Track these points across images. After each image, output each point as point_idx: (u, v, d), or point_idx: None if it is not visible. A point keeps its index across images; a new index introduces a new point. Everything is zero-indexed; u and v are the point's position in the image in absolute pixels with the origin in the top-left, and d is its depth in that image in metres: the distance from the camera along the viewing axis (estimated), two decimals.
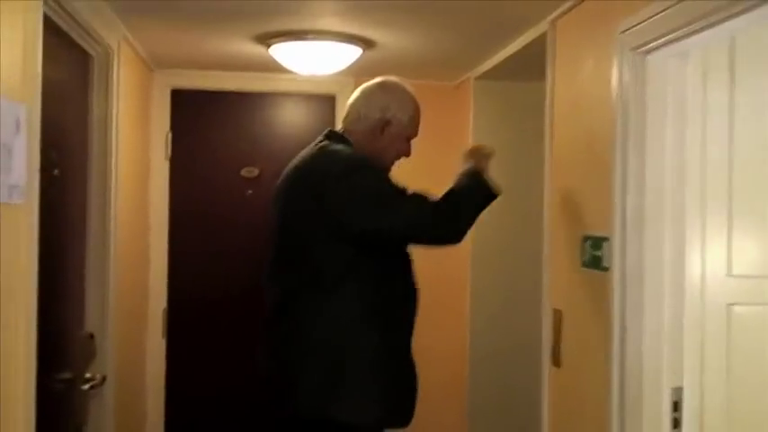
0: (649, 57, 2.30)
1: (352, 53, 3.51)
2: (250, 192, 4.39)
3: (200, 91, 4.38)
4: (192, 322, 4.36)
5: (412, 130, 2.57)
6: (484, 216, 3.80)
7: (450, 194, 2.44)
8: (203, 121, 4.41)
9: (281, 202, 2.45)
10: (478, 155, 2.61)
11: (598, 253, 2.56)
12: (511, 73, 3.92)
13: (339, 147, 2.47)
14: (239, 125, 4.45)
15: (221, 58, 3.96)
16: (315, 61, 3.46)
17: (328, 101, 4.43)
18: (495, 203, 2.54)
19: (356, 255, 2.31)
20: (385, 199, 2.30)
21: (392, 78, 2.63)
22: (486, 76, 4.02)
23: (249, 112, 4.46)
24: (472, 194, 2.46)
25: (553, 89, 2.99)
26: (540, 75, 3.77)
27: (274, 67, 3.92)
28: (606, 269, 2.48)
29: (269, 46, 3.48)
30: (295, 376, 2.32)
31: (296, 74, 3.92)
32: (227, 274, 4.35)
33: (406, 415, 2.43)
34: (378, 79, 2.59)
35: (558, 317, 2.92)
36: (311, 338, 2.31)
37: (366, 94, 2.53)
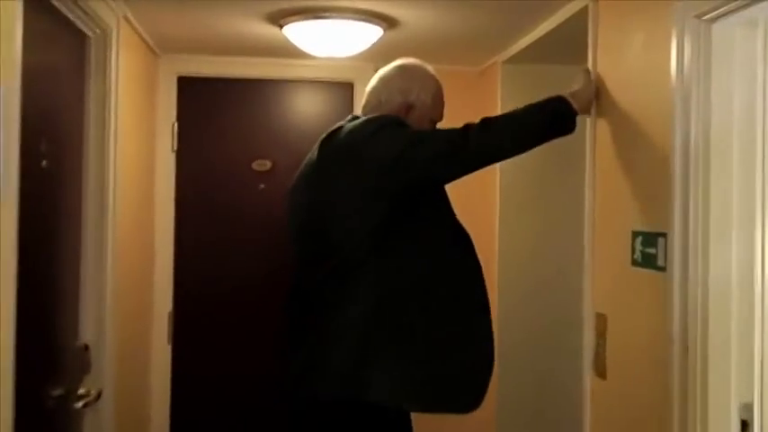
0: (715, 26, 2.00)
1: (373, 33, 3.22)
2: (262, 186, 4.13)
3: (209, 78, 4.10)
4: (201, 326, 4.09)
5: (437, 111, 2.41)
6: (512, 210, 3.87)
7: (520, 110, 2.32)
8: (212, 111, 4.13)
9: (307, 185, 2.30)
10: (587, 86, 2.49)
11: (652, 250, 2.26)
12: (543, 55, 3.61)
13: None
14: (251, 115, 4.16)
15: (231, 42, 3.67)
16: (332, 42, 3.18)
17: (346, 88, 4.16)
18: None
19: (395, 220, 2.15)
20: (421, 134, 2.23)
21: (410, 60, 2.45)
22: (516, 59, 3.71)
23: (261, 100, 4.18)
24: (540, 113, 2.30)
25: (595, 70, 2.68)
26: (576, 57, 3.46)
27: (288, 52, 3.65)
28: (663, 269, 2.18)
29: (282, 26, 3.19)
30: (330, 356, 2.19)
31: (311, 59, 3.67)
32: (238, 275, 4.09)
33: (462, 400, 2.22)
34: (395, 62, 2.42)
35: (602, 322, 2.62)
36: (348, 317, 2.17)
37: (385, 79, 2.38)
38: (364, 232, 2.16)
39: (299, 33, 3.16)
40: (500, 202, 3.86)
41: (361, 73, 3.97)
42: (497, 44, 3.71)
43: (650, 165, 2.29)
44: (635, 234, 2.38)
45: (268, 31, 3.38)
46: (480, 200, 4.06)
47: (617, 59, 2.55)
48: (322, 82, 4.19)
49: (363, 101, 2.43)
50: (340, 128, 2.29)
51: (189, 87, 4.09)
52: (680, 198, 2.07)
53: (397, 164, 2.11)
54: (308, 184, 2.30)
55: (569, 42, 3.32)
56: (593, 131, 2.71)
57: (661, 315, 2.16)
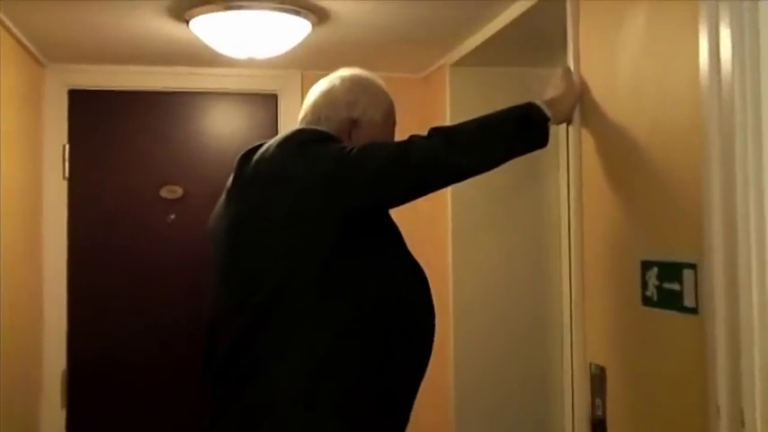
0: (764, 3, 1.52)
1: (299, 29, 2.68)
2: (172, 217, 3.59)
3: (107, 91, 3.59)
4: (101, 387, 3.50)
5: (387, 132, 2.05)
6: (467, 234, 3.30)
7: (479, 118, 1.95)
8: (111, 130, 3.60)
9: (224, 219, 1.95)
10: (568, 90, 2.12)
11: (674, 286, 1.75)
12: (498, 56, 3.15)
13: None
14: (158, 133, 3.65)
15: (131, 46, 3.12)
16: (250, 40, 2.64)
17: (269, 101, 3.64)
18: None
19: (334, 252, 1.81)
20: (354, 149, 1.84)
21: (358, 70, 2.07)
22: (466, 61, 3.23)
23: (170, 116, 3.64)
24: (505, 122, 1.95)
25: (578, 71, 2.19)
26: (538, 57, 3.05)
27: (201, 59, 3.17)
28: (693, 311, 1.67)
29: (188, 21, 2.61)
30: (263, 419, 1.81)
31: (228, 67, 3.24)
32: (146, 324, 3.53)
33: None
34: (339, 72, 2.06)
35: (599, 377, 2.10)
36: (279, 375, 1.81)
37: (326, 90, 2.03)
38: (296, 270, 1.81)
39: (209, 29, 2.60)
40: (452, 224, 3.37)
41: (286, 82, 3.53)
42: (444, 43, 3.22)
43: (667, 179, 1.79)
44: (646, 265, 1.87)
45: (173, 29, 2.82)
46: (429, 222, 3.61)
47: (608, 57, 2.07)
48: (241, 94, 3.67)
49: (300, 116, 2.04)
50: (259, 146, 1.93)
51: (82, 102, 3.56)
52: (720, 218, 1.57)
53: (329, 187, 1.80)
54: (226, 216, 1.93)
55: (529, 39, 2.90)
56: (576, 143, 2.21)
57: (695, 372, 1.64)
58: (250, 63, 3.34)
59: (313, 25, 2.73)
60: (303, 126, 1.98)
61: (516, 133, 1.93)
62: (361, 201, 1.81)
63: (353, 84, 2.01)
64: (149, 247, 3.57)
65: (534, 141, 1.96)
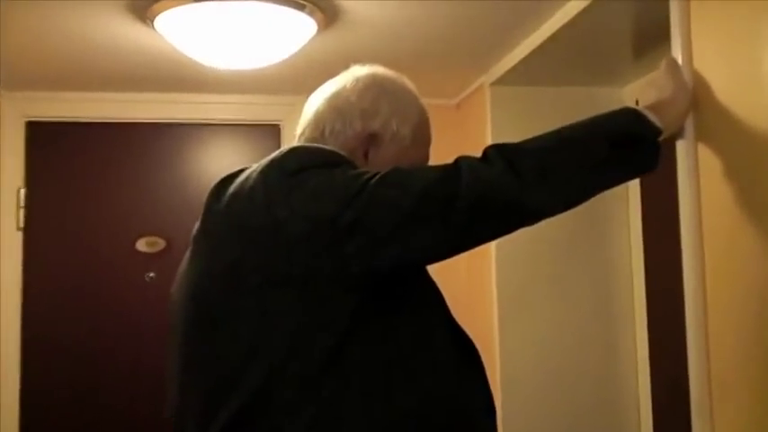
0: None
1: (301, 29, 2.07)
2: (152, 275, 3.06)
3: (73, 123, 3.07)
4: None
5: (418, 152, 1.49)
6: (517, 295, 2.76)
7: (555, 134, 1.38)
8: (78, 169, 3.08)
9: (189, 281, 1.42)
10: (678, 90, 1.53)
11: None
12: (552, 70, 2.58)
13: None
14: (135, 174, 3.12)
15: (94, 62, 2.59)
16: (231, 42, 2.03)
17: (270, 132, 3.11)
18: None
19: (346, 334, 1.27)
20: (375, 178, 1.28)
21: (377, 67, 1.51)
22: (508, 78, 2.67)
23: (150, 153, 3.09)
24: (599, 137, 1.37)
25: (689, 66, 1.58)
26: (605, 71, 2.49)
27: (184, 83, 2.75)
28: None
29: (152, 20, 2.02)
30: None
31: (218, 91, 2.79)
32: (117, 408, 2.97)
33: None
34: (352, 69, 1.51)
35: None
36: None
37: (334, 94, 1.48)
38: (287, 363, 1.28)
39: (180, 27, 2.00)
40: (497, 282, 2.79)
41: (289, 111, 2.95)
42: (483, 56, 2.64)
43: None
44: None
45: (140, 35, 2.25)
46: (468, 280, 3.02)
47: (736, 47, 1.46)
48: (237, 125, 3.13)
49: (297, 132, 1.49)
50: (238, 173, 1.39)
51: (43, 136, 3.05)
52: None
53: (335, 237, 1.27)
54: (188, 278, 1.41)
55: (584, 50, 2.38)
56: (690, 166, 1.57)
57: None
58: (246, 88, 2.83)
59: (319, 27, 2.12)
60: (309, 145, 1.41)
61: (614, 154, 1.34)
62: (386, 258, 1.25)
63: (372, 85, 1.45)
64: (123, 314, 3.05)
65: (640, 165, 1.40)
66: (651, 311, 2.66)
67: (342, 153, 1.35)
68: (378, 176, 1.24)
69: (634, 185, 2.68)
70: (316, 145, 1.42)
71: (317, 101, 1.47)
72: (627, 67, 2.49)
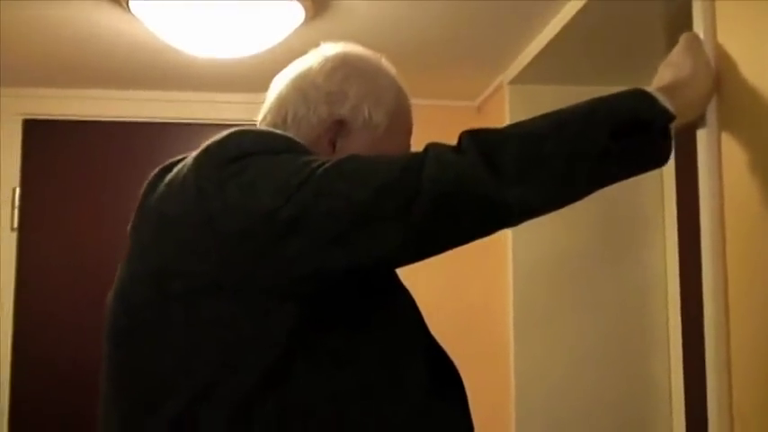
0: None
1: (287, 15, 1.90)
2: None
3: (71, 122, 2.91)
4: None
5: (395, 139, 1.28)
6: (535, 316, 2.54)
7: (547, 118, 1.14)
8: (75, 169, 2.92)
9: (122, 283, 1.21)
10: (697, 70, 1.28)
11: None
12: (575, 65, 2.33)
13: None
14: (131, 173, 2.83)
15: (85, 57, 2.44)
16: (213, 26, 1.85)
17: None
18: None
19: (294, 340, 1.07)
20: (333, 165, 1.07)
21: (350, 45, 1.33)
22: (531, 75, 2.43)
23: (144, 152, 2.91)
24: (602, 123, 1.12)
25: (713, 42, 1.34)
26: (633, 65, 2.24)
27: (186, 80, 2.64)
28: None
29: (128, 3, 1.86)
30: None
31: (220, 89, 2.69)
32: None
33: None
34: (324, 48, 1.32)
35: None
36: None
37: (299, 75, 1.29)
38: (217, 378, 1.08)
39: (155, 13, 1.85)
40: (514, 308, 2.49)
41: None
42: (498, 54, 2.42)
43: None
44: None
45: (117, 20, 2.08)
46: (480, 307, 2.71)
47: (765, 23, 1.23)
48: (233, 124, 2.83)
49: (258, 117, 1.30)
50: (177, 163, 1.21)
51: (40, 135, 2.90)
52: None
53: (275, 235, 1.06)
54: (119, 281, 1.22)
55: (604, 43, 2.15)
56: (713, 160, 1.33)
57: None
58: (237, 86, 2.65)
59: (307, 15, 1.93)
60: (255, 128, 1.22)
61: (615, 144, 1.10)
62: (333, 262, 1.05)
63: (342, 65, 1.27)
64: None
65: (646, 158, 1.16)
66: (687, 337, 2.38)
67: (296, 139, 1.15)
68: (328, 165, 1.05)
69: (669, 182, 2.40)
70: (263, 128, 1.24)
71: (280, 83, 1.29)
72: (656, 62, 2.26)
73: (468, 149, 1.04)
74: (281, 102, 1.24)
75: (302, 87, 1.24)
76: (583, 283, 2.49)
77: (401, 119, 1.26)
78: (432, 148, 1.05)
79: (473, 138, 1.05)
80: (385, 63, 1.28)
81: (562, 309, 2.50)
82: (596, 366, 2.48)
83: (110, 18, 2.06)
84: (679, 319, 2.41)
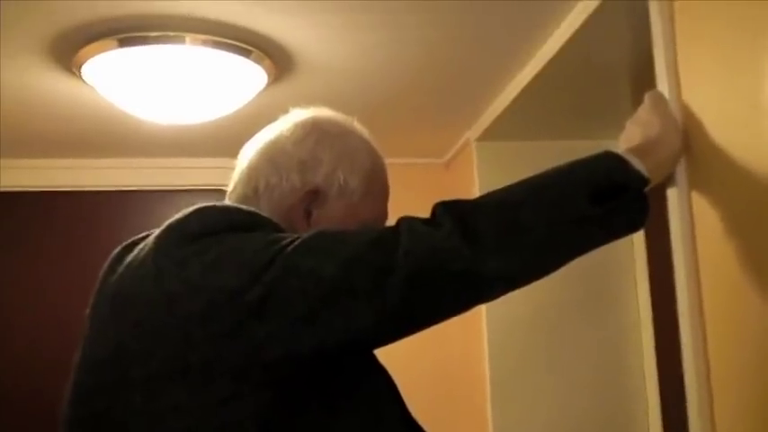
0: None
1: (248, 78, 1.85)
2: None
3: (29, 192, 2.77)
4: None
5: (371, 207, 1.23)
6: (512, 379, 2.45)
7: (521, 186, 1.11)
8: (34, 242, 2.79)
9: (78, 374, 1.12)
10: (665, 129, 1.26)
11: None
12: (544, 120, 2.32)
13: None
14: (97, 245, 2.71)
15: (28, 119, 2.31)
16: (168, 91, 1.80)
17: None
18: None
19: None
20: (302, 242, 1.02)
21: (320, 110, 1.26)
22: (498, 131, 2.39)
23: (111, 222, 2.81)
24: (578, 189, 1.09)
25: (678, 100, 1.33)
26: (604, 123, 2.23)
27: (127, 146, 2.54)
28: None
29: (80, 68, 1.80)
30: None
31: (174, 154, 2.60)
32: None
33: None
34: (294, 113, 1.25)
35: None
36: None
37: (269, 144, 1.23)
38: None
39: (107, 79, 1.79)
40: (490, 358, 2.44)
41: None
42: (465, 111, 2.38)
43: None
44: None
45: (69, 87, 2.01)
46: (455, 352, 2.67)
47: (730, 74, 1.22)
48: (189, 190, 2.76)
49: (228, 187, 1.23)
50: (142, 240, 1.14)
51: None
52: None
53: (239, 314, 0.99)
54: (76, 366, 1.13)
55: (571, 98, 2.14)
56: (684, 219, 1.31)
57: None
58: (199, 151, 2.62)
59: (270, 77, 1.90)
60: (219, 204, 1.13)
61: (593, 210, 1.07)
62: (305, 344, 0.99)
63: (313, 131, 1.21)
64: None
65: (625, 222, 1.13)
66: (664, 390, 2.34)
67: (263, 215, 1.09)
68: (297, 242, 0.99)
69: (639, 237, 2.38)
70: (228, 203, 1.17)
71: (249, 152, 1.22)
72: (621, 118, 2.25)
73: (443, 221, 0.99)
74: (252, 171, 1.18)
75: (273, 156, 1.18)
76: (558, 339, 2.44)
77: (377, 182, 1.20)
78: (404, 221, 1.00)
79: (447, 208, 1.01)
80: (357, 126, 1.23)
81: (538, 364, 2.44)
82: (575, 422, 2.41)
83: (63, 85, 1.99)
84: (655, 372, 2.37)
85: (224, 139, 2.37)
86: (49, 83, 1.98)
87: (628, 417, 2.42)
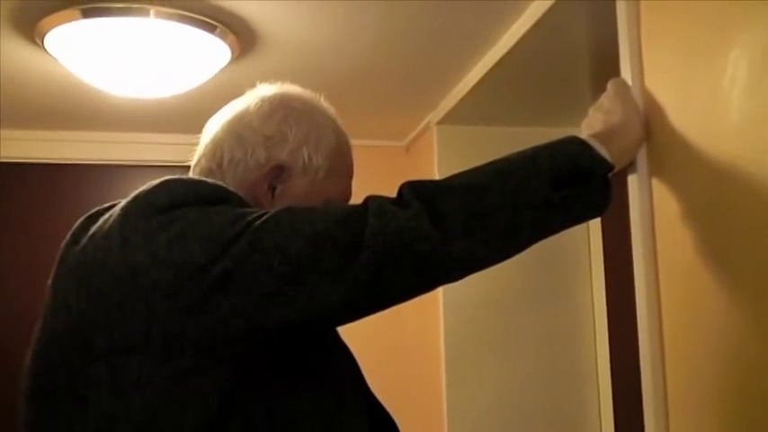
0: None
1: (212, 53, 1.84)
2: None
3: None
4: None
5: (337, 184, 1.24)
6: (467, 360, 2.48)
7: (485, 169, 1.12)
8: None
9: (39, 342, 1.10)
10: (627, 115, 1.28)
11: None
12: (505, 105, 2.33)
13: None
14: (57, 218, 2.68)
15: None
16: (130, 64, 1.77)
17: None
18: None
19: (226, 403, 0.99)
20: (270, 217, 1.01)
21: (287, 86, 1.26)
22: (457, 116, 2.42)
23: (71, 195, 2.75)
24: (541, 173, 1.11)
25: (641, 87, 1.35)
26: (566, 110, 2.27)
27: (89, 119, 2.47)
28: None
29: (43, 39, 1.77)
30: None
31: (136, 129, 2.55)
32: None
33: None
34: (260, 88, 1.25)
35: None
36: None
37: (235, 118, 1.23)
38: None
39: (69, 50, 1.76)
40: (445, 346, 2.44)
41: None
42: (427, 93, 2.38)
43: None
44: None
45: (32, 58, 1.97)
46: (411, 334, 2.69)
47: (693, 62, 1.24)
48: (154, 166, 2.72)
49: (192, 161, 1.23)
50: (107, 209, 1.12)
51: None
52: None
53: (204, 288, 0.99)
54: (37, 339, 1.11)
55: (533, 84, 2.15)
56: (644, 206, 1.34)
57: None
58: (164, 127, 2.59)
59: (233, 53, 1.88)
60: (187, 177, 1.12)
61: (557, 194, 1.10)
62: (269, 319, 0.99)
63: (279, 107, 1.20)
64: None
65: (589, 207, 1.15)
66: (616, 375, 2.39)
67: (231, 189, 1.08)
68: (265, 217, 0.99)
69: (595, 223, 2.42)
70: (195, 177, 1.16)
71: (215, 125, 1.21)
72: (582, 105, 2.28)
73: (411, 202, 1.00)
74: (216, 145, 1.18)
75: (238, 130, 1.18)
76: (512, 322, 2.48)
77: (341, 161, 1.20)
78: (372, 200, 1.01)
79: (414, 189, 1.02)
80: (324, 103, 1.23)
81: (493, 347, 2.47)
82: (527, 402, 2.46)
83: (25, 55, 1.94)
84: (608, 357, 2.42)
85: (186, 115, 2.38)
86: (10, 53, 1.93)
87: (579, 400, 2.47)
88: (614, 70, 1.40)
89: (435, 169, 2.49)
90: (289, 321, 0.97)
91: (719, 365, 1.15)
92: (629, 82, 1.34)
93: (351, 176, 1.23)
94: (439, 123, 2.50)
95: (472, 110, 2.35)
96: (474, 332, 2.47)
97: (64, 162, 2.74)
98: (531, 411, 2.45)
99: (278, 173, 1.15)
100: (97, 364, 0.98)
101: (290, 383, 1.02)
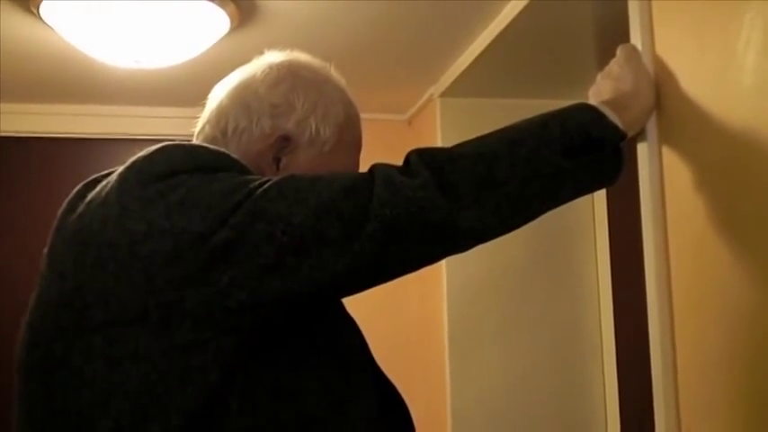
0: None
1: (211, 23, 1.82)
2: None
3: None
4: None
5: (344, 156, 1.19)
6: (471, 338, 2.46)
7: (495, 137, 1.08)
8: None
9: (36, 312, 1.07)
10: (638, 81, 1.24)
11: None
12: (508, 77, 2.30)
13: None
14: (55, 193, 2.62)
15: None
16: (130, 34, 1.76)
17: None
18: None
19: (228, 378, 0.96)
20: (274, 184, 0.98)
21: (297, 54, 1.21)
22: (459, 88, 2.38)
23: (69, 169, 2.68)
24: (553, 141, 1.07)
25: (651, 54, 1.30)
26: (570, 82, 2.22)
27: (91, 91, 2.45)
28: None
29: (38, 8, 1.74)
30: None
31: (135, 102, 2.55)
32: None
33: None
34: (269, 55, 1.20)
35: None
36: None
37: (241, 85, 1.18)
38: (140, 418, 0.96)
39: (70, 21, 1.71)
40: (449, 325, 2.42)
41: None
42: (429, 65, 2.35)
43: None
44: None
45: (29, 26, 1.93)
46: (414, 311, 2.67)
47: (705, 28, 1.20)
48: (153, 139, 2.68)
49: (196, 127, 1.19)
50: (105, 177, 1.08)
51: None
52: None
53: (204, 257, 0.96)
54: (31, 309, 1.08)
55: (536, 55, 2.12)
56: (654, 174, 1.30)
57: None
58: (163, 100, 2.57)
59: (233, 23, 1.85)
60: (187, 143, 1.09)
61: (568, 162, 1.07)
62: (270, 291, 0.96)
63: (287, 75, 1.16)
64: None
65: (600, 176, 1.12)
66: (621, 353, 2.37)
67: (234, 156, 1.05)
68: (267, 185, 0.95)
69: (600, 195, 2.39)
70: (197, 143, 1.13)
71: (221, 92, 1.17)
72: (587, 75, 2.25)
73: (418, 171, 0.97)
74: (221, 112, 1.14)
75: (244, 98, 1.14)
76: (516, 299, 2.46)
77: (350, 134, 1.16)
78: (379, 169, 0.98)
79: (422, 157, 0.99)
80: (334, 74, 1.18)
81: (496, 324, 2.46)
82: (531, 381, 2.45)
83: (21, 24, 1.91)
84: (612, 333, 2.40)
85: (185, 88, 2.35)
86: (6, 22, 1.90)
87: (583, 377, 2.46)
88: (620, 39, 1.37)
89: (438, 142, 2.46)
90: (289, 292, 0.95)
91: (732, 340, 1.12)
92: (639, 47, 1.30)
93: (359, 150, 1.19)
94: (441, 96, 2.48)
95: (475, 82, 2.33)
96: (477, 311, 2.46)
97: (63, 136, 2.72)
98: (534, 388, 2.44)
99: (283, 144, 1.12)
100: (93, 336, 0.96)
101: (295, 359, 0.99)
